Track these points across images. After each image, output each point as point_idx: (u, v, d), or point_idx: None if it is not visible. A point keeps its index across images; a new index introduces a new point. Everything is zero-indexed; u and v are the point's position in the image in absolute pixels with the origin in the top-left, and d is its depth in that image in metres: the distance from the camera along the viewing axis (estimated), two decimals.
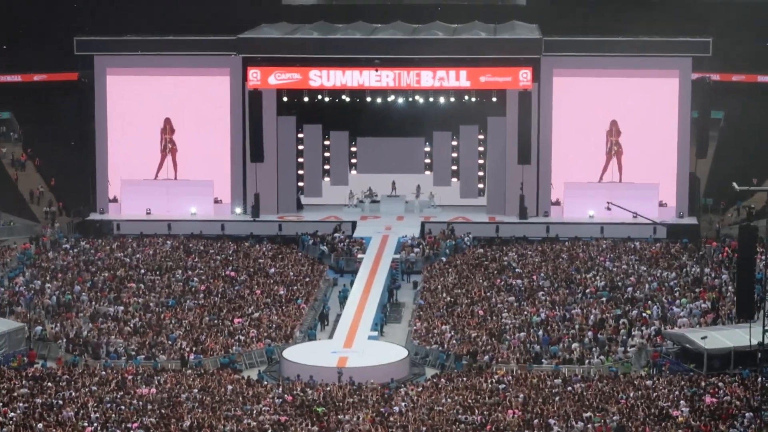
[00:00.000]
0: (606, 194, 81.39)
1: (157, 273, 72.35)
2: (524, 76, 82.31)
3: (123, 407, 50.76)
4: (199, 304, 67.29)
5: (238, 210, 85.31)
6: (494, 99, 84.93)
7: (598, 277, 70.48)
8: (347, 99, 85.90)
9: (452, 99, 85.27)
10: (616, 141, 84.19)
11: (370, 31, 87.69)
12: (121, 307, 66.46)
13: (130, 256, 75.63)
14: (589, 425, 48.83)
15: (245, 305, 67.32)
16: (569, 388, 53.38)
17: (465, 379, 55.48)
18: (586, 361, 58.88)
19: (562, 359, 59.11)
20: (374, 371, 57.34)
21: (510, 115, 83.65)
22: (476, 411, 50.37)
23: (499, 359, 59.12)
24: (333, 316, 68.07)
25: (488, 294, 68.20)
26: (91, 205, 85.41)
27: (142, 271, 72.72)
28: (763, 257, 60.76)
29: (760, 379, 50.20)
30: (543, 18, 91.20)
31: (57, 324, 64.31)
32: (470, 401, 51.68)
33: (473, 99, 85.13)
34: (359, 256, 76.34)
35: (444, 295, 68.55)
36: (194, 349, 60.83)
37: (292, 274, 72.83)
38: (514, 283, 69.72)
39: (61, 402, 51.32)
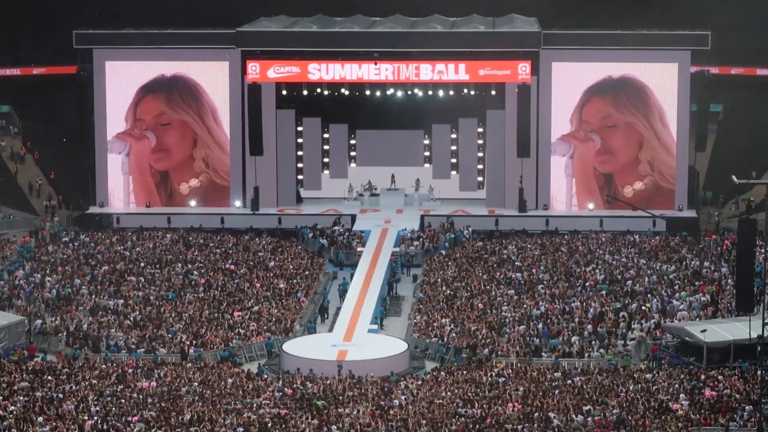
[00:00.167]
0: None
1: (157, 266, 72.40)
2: (523, 69, 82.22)
3: (123, 401, 50.85)
4: (199, 298, 67.33)
5: (238, 203, 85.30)
6: (493, 92, 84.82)
7: (597, 271, 70.50)
8: (346, 92, 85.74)
9: (451, 92, 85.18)
10: None
11: (369, 25, 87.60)
12: (121, 301, 66.52)
13: (130, 249, 75.66)
14: (588, 418, 48.89)
15: (245, 298, 67.35)
16: (569, 382, 53.45)
17: (465, 372, 55.53)
18: (586, 355, 58.91)
19: (561, 352, 59.14)
20: (374, 364, 57.37)
21: (509, 108, 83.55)
22: (476, 404, 50.43)
23: (499, 352, 59.12)
24: (333, 309, 68.12)
25: (488, 287, 68.20)
26: (90, 199, 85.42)
27: (142, 264, 72.76)
28: (763, 250, 60.79)
29: (759, 372, 50.28)
30: (542, 11, 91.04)
31: (57, 317, 64.34)
32: (470, 394, 51.74)
33: (472, 92, 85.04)
34: (359, 249, 76.32)
35: (444, 288, 68.56)
36: (194, 342, 60.87)
37: (291, 267, 72.87)
38: (513, 276, 69.74)
39: (61, 395, 51.39)
